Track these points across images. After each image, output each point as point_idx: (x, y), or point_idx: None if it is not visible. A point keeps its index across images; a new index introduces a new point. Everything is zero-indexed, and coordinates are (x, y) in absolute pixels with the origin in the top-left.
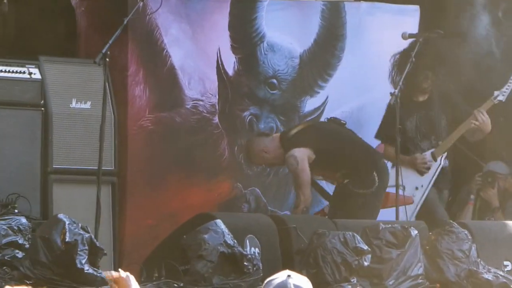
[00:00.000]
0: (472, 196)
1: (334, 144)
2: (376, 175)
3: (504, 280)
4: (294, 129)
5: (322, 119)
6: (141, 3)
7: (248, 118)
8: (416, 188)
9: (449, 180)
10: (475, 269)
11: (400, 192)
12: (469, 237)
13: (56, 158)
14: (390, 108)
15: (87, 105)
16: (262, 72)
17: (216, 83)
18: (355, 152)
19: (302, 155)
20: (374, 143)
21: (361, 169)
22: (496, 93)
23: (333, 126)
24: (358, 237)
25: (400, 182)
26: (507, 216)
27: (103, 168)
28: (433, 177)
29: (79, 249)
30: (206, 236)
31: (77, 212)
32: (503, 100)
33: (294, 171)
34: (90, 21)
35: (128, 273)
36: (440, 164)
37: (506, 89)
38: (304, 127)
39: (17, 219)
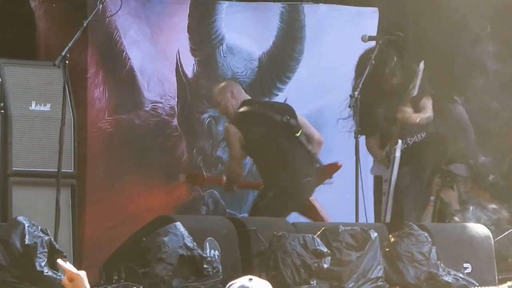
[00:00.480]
0: (432, 198)
1: (261, 143)
2: (273, 193)
3: (464, 283)
4: (246, 106)
5: None
6: (101, 5)
7: (207, 121)
8: (385, 181)
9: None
10: (435, 271)
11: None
12: (429, 239)
13: (15, 161)
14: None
15: (47, 107)
16: (221, 75)
17: (175, 85)
18: (268, 162)
19: (233, 133)
20: (330, 151)
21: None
22: (411, 86)
23: (275, 128)
24: (318, 240)
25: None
26: (467, 219)
27: (62, 170)
28: (392, 168)
29: (38, 252)
30: (165, 238)
31: (36, 215)
32: (416, 94)
33: (226, 143)
34: (49, 24)
35: (84, 272)
36: (394, 155)
37: (416, 82)
38: (248, 110)
39: None
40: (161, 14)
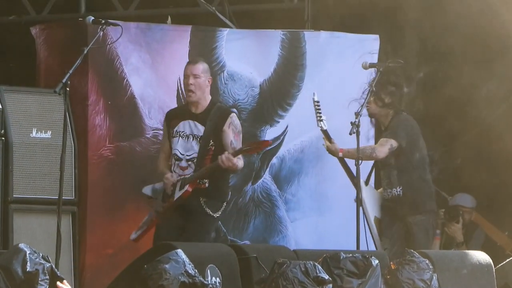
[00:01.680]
0: (438, 231)
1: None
2: (224, 205)
3: None
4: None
5: (282, 150)
6: (101, 32)
7: None
8: None
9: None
10: None
11: None
12: (430, 266)
13: (16, 188)
14: None
15: (48, 134)
16: (222, 102)
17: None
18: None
19: (240, 127)
20: (332, 177)
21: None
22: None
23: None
24: (319, 267)
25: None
26: (473, 247)
27: (63, 197)
28: None
29: (40, 279)
30: (167, 266)
31: (37, 242)
32: (325, 127)
33: (232, 130)
34: (50, 51)
35: None
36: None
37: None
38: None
39: None
40: (162, 41)
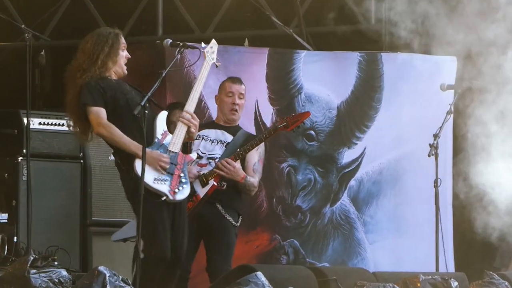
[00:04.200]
0: None
1: None
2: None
3: None
4: None
5: (360, 172)
6: (179, 55)
7: (286, 170)
8: None
9: None
10: None
11: None
12: None
13: (95, 211)
14: None
15: None
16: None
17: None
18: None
19: None
20: (409, 200)
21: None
22: None
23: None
24: None
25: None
26: None
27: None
28: None
29: None
30: None
31: (116, 264)
32: None
33: None
34: (128, 74)
35: None
36: None
37: None
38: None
39: (57, 272)
40: (239, 63)
